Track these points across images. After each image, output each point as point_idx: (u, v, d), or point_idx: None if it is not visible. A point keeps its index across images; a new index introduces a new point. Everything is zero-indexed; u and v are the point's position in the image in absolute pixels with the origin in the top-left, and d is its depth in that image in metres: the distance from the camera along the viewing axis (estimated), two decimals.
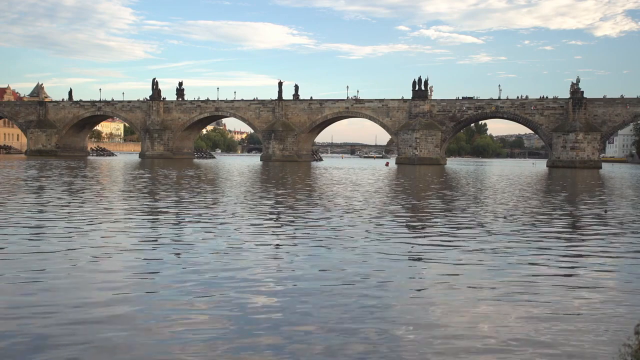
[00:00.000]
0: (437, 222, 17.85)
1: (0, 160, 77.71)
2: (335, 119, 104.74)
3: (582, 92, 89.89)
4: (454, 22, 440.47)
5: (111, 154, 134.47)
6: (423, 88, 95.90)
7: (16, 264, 10.53)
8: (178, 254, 11.83)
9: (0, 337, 6.68)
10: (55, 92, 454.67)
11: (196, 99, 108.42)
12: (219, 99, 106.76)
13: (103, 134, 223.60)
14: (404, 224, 17.65)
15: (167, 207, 20.86)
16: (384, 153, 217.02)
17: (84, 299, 8.31)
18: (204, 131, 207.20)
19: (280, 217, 18.36)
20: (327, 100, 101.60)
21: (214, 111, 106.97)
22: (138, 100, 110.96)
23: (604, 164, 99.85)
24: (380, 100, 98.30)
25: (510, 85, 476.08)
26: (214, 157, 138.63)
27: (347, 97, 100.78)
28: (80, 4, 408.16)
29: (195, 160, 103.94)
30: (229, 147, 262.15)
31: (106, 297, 8.41)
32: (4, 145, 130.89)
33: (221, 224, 16.49)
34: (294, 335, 6.97)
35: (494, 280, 9.90)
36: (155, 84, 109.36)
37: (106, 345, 6.53)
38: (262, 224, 16.59)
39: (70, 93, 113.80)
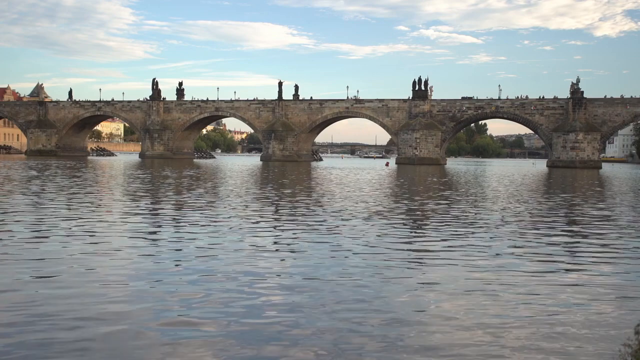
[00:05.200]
0: (438, 222, 17.85)
1: (0, 160, 77.72)
2: (335, 119, 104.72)
3: (582, 92, 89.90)
4: (454, 22, 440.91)
5: (111, 154, 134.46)
6: (423, 88, 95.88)
7: (15, 265, 10.53)
8: (179, 253, 11.84)
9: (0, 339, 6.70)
10: (55, 92, 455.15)
11: (196, 99, 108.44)
12: (219, 99, 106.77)
13: (103, 134, 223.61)
14: (405, 224, 17.65)
15: (168, 208, 20.87)
16: (384, 153, 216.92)
17: (85, 298, 8.32)
18: (204, 131, 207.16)
19: (280, 218, 18.36)
20: (327, 100, 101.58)
21: (214, 111, 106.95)
22: (138, 100, 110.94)
23: (604, 164, 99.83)
24: (380, 100, 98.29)
25: (510, 85, 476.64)
26: (214, 157, 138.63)
27: (347, 97, 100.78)
28: (80, 4, 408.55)
29: (195, 160, 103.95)
30: (229, 147, 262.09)
31: (106, 298, 8.41)
32: (4, 145, 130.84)
33: (221, 224, 16.49)
34: (294, 336, 6.97)
35: (493, 281, 9.91)
36: (155, 84, 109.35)
37: (106, 346, 6.53)
38: (262, 225, 16.59)
39: (70, 93, 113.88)
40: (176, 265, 10.69)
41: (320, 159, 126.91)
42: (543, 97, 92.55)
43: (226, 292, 8.75)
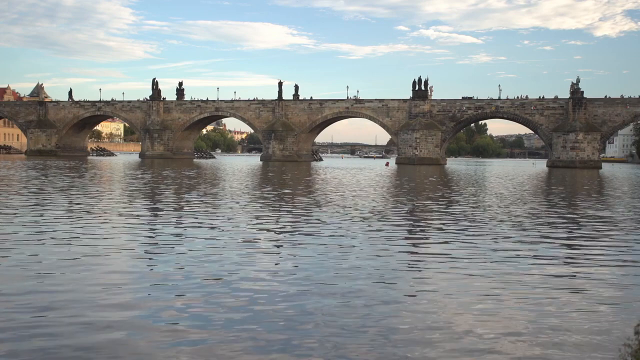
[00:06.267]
0: (438, 224, 17.85)
1: (0, 160, 77.69)
2: (335, 119, 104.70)
3: (582, 92, 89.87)
4: (454, 22, 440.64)
5: (111, 154, 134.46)
6: (423, 88, 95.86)
7: (15, 267, 10.53)
8: (179, 256, 11.84)
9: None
10: (55, 92, 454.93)
11: (196, 99, 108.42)
12: (219, 99, 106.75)
13: (103, 134, 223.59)
14: (406, 225, 17.65)
15: (168, 209, 20.87)
16: (383, 153, 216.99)
17: (84, 300, 8.32)
18: (204, 131, 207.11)
19: (280, 219, 18.35)
20: (327, 100, 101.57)
21: (214, 111, 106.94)
22: (138, 100, 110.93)
23: (604, 164, 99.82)
24: (380, 100, 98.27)
25: (510, 85, 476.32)
26: (214, 157, 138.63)
27: (347, 97, 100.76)
28: (80, 4, 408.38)
29: (196, 160, 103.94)
30: (229, 147, 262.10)
31: (105, 301, 8.40)
32: (4, 145, 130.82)
33: (222, 225, 16.49)
34: (294, 340, 6.96)
35: (492, 282, 9.91)
36: (155, 84, 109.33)
37: (105, 350, 6.51)
38: (262, 227, 16.59)
39: (70, 93, 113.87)
40: (177, 268, 10.59)
41: (320, 159, 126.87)
42: (543, 97, 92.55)
43: (227, 297, 8.65)
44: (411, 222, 18.27)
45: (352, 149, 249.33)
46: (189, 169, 60.94)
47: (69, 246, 12.40)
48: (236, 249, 12.39)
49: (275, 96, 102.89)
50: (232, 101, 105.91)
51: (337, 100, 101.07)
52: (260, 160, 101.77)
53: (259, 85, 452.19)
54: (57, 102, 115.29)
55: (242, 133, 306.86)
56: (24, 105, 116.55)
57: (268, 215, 18.80)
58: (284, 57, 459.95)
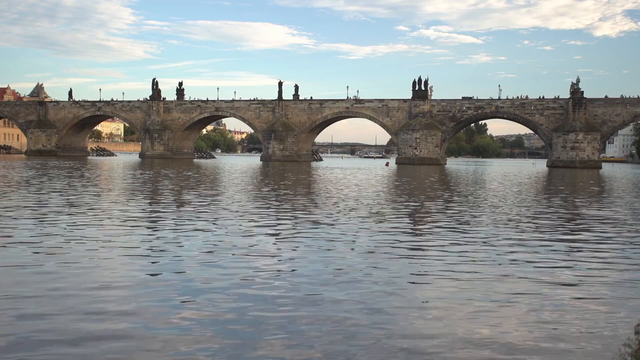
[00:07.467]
0: (438, 225, 17.85)
1: (0, 160, 77.67)
2: (335, 119, 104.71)
3: (582, 92, 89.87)
4: (454, 22, 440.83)
5: (111, 154, 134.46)
6: (423, 88, 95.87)
7: (13, 266, 10.53)
8: (178, 259, 11.84)
9: None
10: (55, 92, 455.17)
11: (196, 99, 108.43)
12: (219, 99, 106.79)
13: (103, 134, 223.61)
14: (406, 226, 17.65)
15: (168, 210, 20.86)
16: (383, 153, 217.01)
17: (83, 303, 8.32)
18: (204, 131, 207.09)
19: (281, 220, 18.35)
20: (327, 100, 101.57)
21: (214, 111, 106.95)
22: (138, 100, 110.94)
23: (604, 164, 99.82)
24: (380, 100, 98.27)
25: (510, 85, 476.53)
26: (214, 157, 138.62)
27: (347, 97, 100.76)
28: (80, 4, 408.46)
29: (196, 161, 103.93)
30: (229, 147, 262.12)
31: (103, 304, 8.40)
32: (4, 145, 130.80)
33: (221, 227, 16.48)
34: (295, 342, 6.95)
35: (492, 283, 9.91)
36: (155, 84, 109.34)
37: (104, 354, 6.48)
38: (262, 228, 16.58)
39: (70, 93, 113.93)
40: (176, 272, 10.47)
41: (320, 159, 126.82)
42: (543, 97, 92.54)
43: (228, 300, 8.56)
44: (412, 223, 18.27)
45: (352, 149, 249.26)
46: (189, 169, 60.92)
47: (68, 246, 12.39)
48: (236, 250, 12.37)
49: (275, 96, 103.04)
50: (232, 101, 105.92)
51: (337, 100, 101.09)
52: (260, 160, 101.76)
53: (259, 85, 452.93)
54: (57, 102, 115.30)
55: (242, 133, 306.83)
56: (24, 105, 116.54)
57: (268, 216, 18.79)
58: (284, 57, 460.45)
